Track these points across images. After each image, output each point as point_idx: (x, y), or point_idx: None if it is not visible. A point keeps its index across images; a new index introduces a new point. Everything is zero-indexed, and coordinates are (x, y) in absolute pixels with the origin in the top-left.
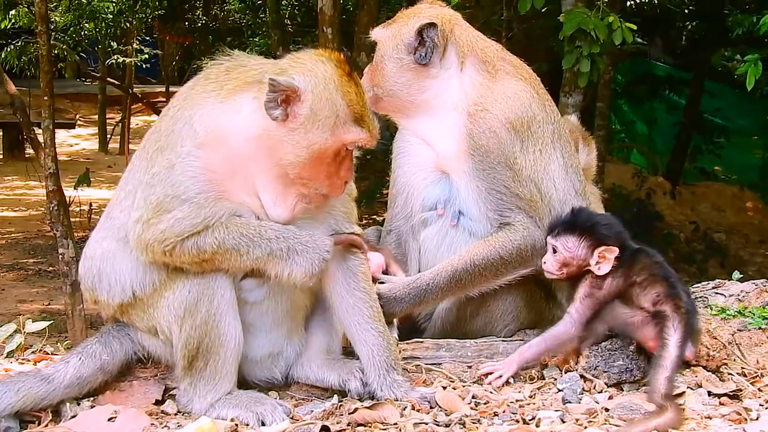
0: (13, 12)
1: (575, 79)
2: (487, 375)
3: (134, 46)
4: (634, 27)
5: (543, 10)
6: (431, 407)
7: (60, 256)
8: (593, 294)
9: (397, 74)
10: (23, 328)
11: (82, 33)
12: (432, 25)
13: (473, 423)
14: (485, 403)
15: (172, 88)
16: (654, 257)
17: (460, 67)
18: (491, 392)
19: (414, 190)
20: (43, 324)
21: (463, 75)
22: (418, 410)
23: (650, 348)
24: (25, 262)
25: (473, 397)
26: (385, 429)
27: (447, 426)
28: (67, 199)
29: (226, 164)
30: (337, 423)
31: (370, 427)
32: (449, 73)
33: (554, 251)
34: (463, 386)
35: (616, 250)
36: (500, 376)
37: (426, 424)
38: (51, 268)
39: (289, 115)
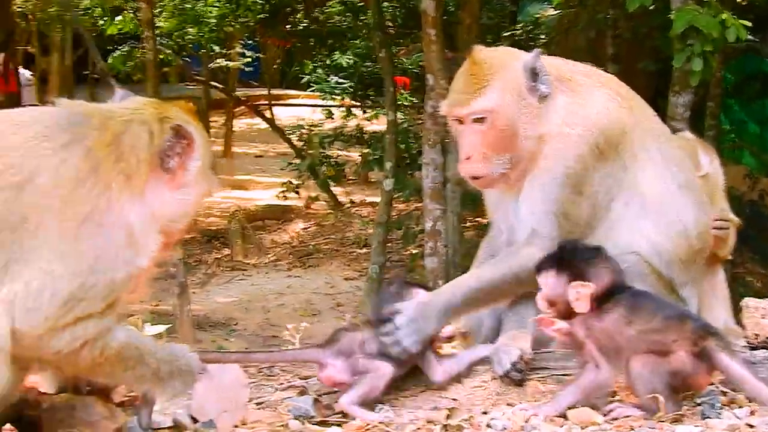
0: (119, 18)
1: (686, 78)
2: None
3: (237, 49)
4: (749, 23)
5: (651, 8)
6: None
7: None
8: (591, 335)
9: (526, 124)
10: (143, 331)
11: (186, 38)
12: (537, 54)
13: None
14: (624, 417)
15: (273, 91)
16: (656, 299)
17: (553, 90)
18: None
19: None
20: (162, 327)
21: (555, 97)
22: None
23: (699, 385)
24: None
25: (609, 411)
26: None
27: None
28: None
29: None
30: None
31: None
32: (548, 100)
33: (540, 289)
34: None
35: (590, 285)
36: (535, 415)
37: None
38: (158, 269)
39: (178, 168)
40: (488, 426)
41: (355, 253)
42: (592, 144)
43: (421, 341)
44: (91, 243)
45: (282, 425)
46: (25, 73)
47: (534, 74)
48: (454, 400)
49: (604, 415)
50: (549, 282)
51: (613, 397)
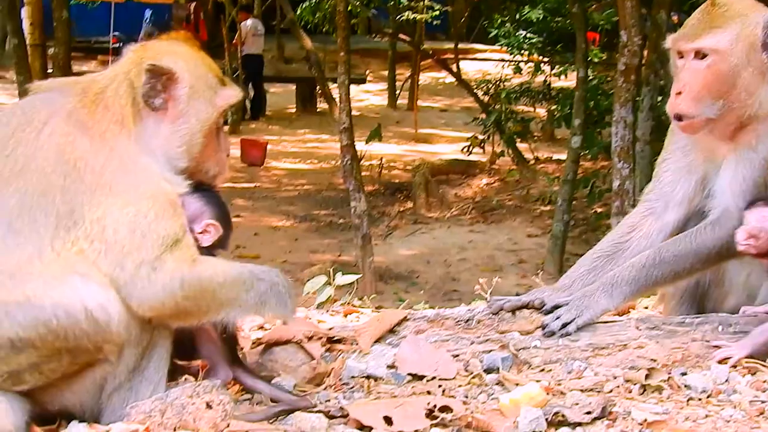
0: None
1: None
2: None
3: (425, 2)
4: None
5: None
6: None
7: (352, 209)
8: None
9: (749, 78)
10: (333, 281)
11: None
12: None
13: None
14: None
15: (460, 45)
16: None
17: None
18: None
19: None
20: (353, 277)
21: None
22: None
23: None
24: (317, 213)
25: None
26: (719, 405)
27: None
28: (359, 154)
29: None
30: None
31: None
32: None
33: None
34: None
35: None
36: (729, 358)
37: None
38: (341, 221)
39: (168, 101)
40: (687, 387)
41: (538, 210)
42: None
43: (589, 319)
44: (123, 181)
45: (476, 377)
46: (254, 24)
47: None
48: (653, 360)
49: None
50: (757, 216)
51: None
